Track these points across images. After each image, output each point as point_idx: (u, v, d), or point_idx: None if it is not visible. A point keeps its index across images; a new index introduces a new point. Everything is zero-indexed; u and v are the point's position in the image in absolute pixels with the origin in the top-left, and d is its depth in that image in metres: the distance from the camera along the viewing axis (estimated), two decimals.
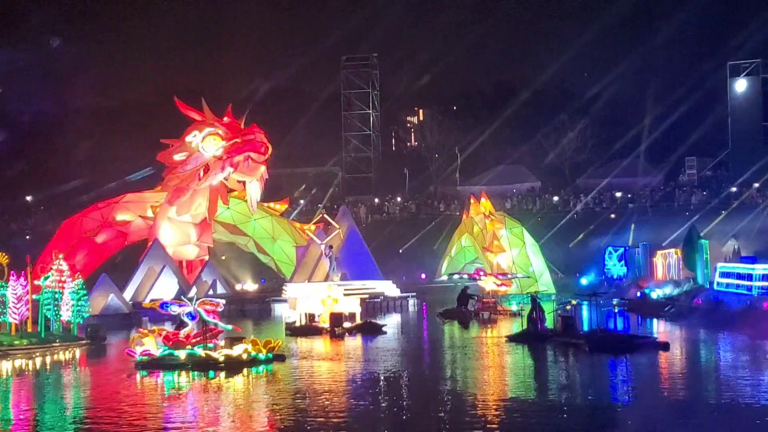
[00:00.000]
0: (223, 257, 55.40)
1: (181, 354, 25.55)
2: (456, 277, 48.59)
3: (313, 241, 48.39)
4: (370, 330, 34.43)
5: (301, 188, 75.85)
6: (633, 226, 52.97)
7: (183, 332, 26.58)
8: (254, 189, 47.25)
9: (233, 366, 25.17)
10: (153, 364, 25.66)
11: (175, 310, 27.03)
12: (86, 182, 69.30)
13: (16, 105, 77.43)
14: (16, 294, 31.38)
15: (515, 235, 51.03)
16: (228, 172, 46.20)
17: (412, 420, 18.24)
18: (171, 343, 26.12)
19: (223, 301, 28.64)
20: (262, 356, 25.85)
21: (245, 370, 24.93)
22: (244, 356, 25.65)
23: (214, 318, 26.79)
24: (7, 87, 77.91)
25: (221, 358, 25.40)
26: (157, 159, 49.29)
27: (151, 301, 39.59)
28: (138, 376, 24.85)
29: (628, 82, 77.49)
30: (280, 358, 26.47)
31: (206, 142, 46.37)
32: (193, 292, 41.53)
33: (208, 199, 47.95)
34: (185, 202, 47.83)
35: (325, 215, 52.86)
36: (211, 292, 46.73)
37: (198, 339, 26.12)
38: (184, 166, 46.94)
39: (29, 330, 32.08)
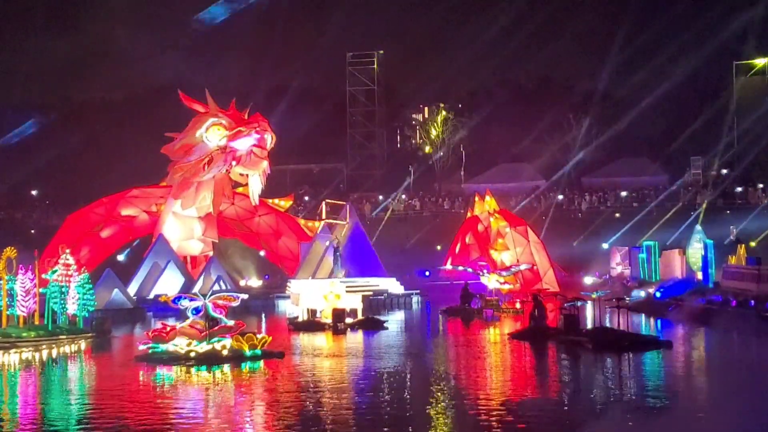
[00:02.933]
0: (227, 253, 55.51)
1: (167, 347, 25.78)
2: (460, 268, 48.67)
3: (317, 238, 48.49)
4: (371, 326, 34.74)
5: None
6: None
7: (169, 327, 26.67)
8: (255, 183, 47.36)
9: (212, 361, 25.18)
10: (149, 358, 25.86)
11: (185, 304, 27.16)
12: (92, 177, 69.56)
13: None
14: (24, 287, 31.66)
15: (519, 232, 51.14)
16: (230, 164, 46.32)
17: (413, 416, 18.32)
18: (152, 337, 26.29)
19: (245, 296, 28.62)
20: (248, 352, 25.80)
21: (226, 366, 24.88)
22: (225, 352, 25.67)
23: (220, 313, 26.87)
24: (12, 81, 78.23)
25: (192, 354, 25.44)
26: (162, 152, 49.43)
27: (159, 296, 39.71)
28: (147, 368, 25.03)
29: (634, 80, 77.57)
30: (277, 354, 26.36)
31: (210, 132, 46.42)
32: (203, 287, 41.68)
33: (213, 192, 48.06)
34: (190, 195, 47.92)
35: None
36: (216, 287, 46.83)
37: (205, 333, 26.21)
38: (188, 157, 47.03)
39: (36, 323, 32.38)
